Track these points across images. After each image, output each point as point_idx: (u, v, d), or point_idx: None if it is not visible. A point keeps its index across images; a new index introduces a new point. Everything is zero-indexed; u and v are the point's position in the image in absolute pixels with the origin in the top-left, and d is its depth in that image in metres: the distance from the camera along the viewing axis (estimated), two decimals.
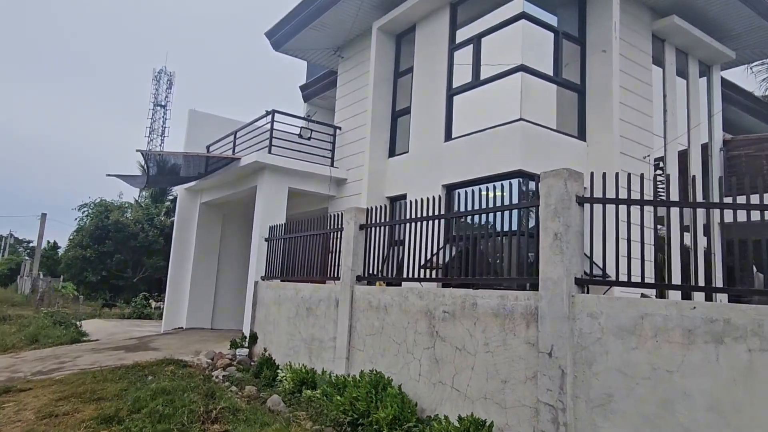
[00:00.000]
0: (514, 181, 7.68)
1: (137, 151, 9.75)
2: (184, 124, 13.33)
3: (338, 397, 6.34)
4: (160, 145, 61.52)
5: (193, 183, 13.12)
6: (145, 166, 9.94)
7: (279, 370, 8.23)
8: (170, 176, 11.63)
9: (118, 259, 27.35)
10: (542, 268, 4.97)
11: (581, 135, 8.57)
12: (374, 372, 6.46)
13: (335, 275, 8.12)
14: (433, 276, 7.24)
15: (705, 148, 10.67)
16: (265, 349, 8.89)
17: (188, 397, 6.79)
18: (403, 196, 9.61)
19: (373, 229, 7.69)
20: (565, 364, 4.66)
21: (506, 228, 5.74)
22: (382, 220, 7.43)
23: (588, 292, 4.95)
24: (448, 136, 9.04)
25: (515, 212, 5.69)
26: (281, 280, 9.99)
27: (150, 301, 22.12)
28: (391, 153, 10.59)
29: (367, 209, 7.71)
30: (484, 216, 6.04)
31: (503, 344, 5.27)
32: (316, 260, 8.92)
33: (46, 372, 8.77)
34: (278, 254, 10.16)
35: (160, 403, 6.48)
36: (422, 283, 6.79)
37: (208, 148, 12.95)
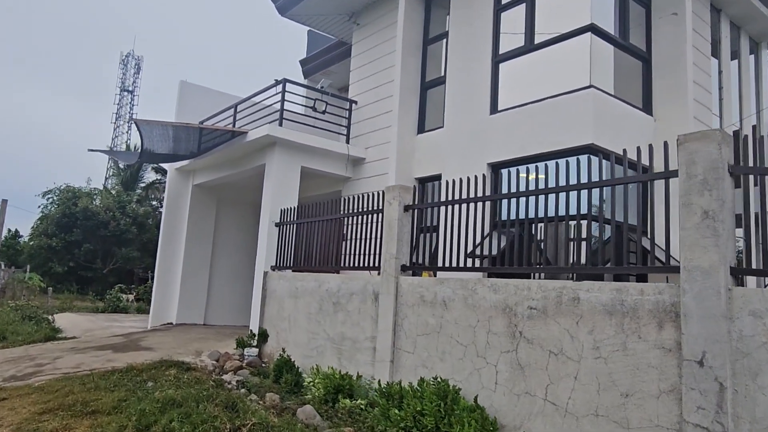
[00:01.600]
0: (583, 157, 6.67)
1: (131, 120, 8.44)
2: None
3: (396, 411, 5.26)
4: (128, 132, 58.85)
5: (185, 162, 11.77)
6: (140, 138, 8.58)
7: (302, 375, 7.09)
8: (165, 151, 10.24)
9: (87, 248, 25.73)
10: (685, 254, 3.97)
11: (647, 108, 7.64)
12: (438, 380, 5.39)
13: (371, 264, 7.00)
14: (482, 265, 6.20)
15: (753, 130, 9.91)
16: (283, 350, 7.73)
17: (205, 409, 5.63)
18: (437, 177, 8.53)
19: (419, 210, 6.61)
20: (723, 375, 3.69)
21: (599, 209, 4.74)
22: (437, 200, 6.34)
23: (744, 285, 3.98)
24: (494, 109, 7.98)
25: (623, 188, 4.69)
26: (293, 270, 8.82)
27: (122, 294, 20.43)
28: (420, 129, 9.46)
29: (414, 187, 6.62)
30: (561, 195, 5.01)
31: (622, 349, 4.27)
32: (341, 248, 7.79)
33: (21, 377, 7.50)
34: (291, 241, 8.97)
35: (174, 418, 5.36)
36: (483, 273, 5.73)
37: (201, 123, 11.57)
